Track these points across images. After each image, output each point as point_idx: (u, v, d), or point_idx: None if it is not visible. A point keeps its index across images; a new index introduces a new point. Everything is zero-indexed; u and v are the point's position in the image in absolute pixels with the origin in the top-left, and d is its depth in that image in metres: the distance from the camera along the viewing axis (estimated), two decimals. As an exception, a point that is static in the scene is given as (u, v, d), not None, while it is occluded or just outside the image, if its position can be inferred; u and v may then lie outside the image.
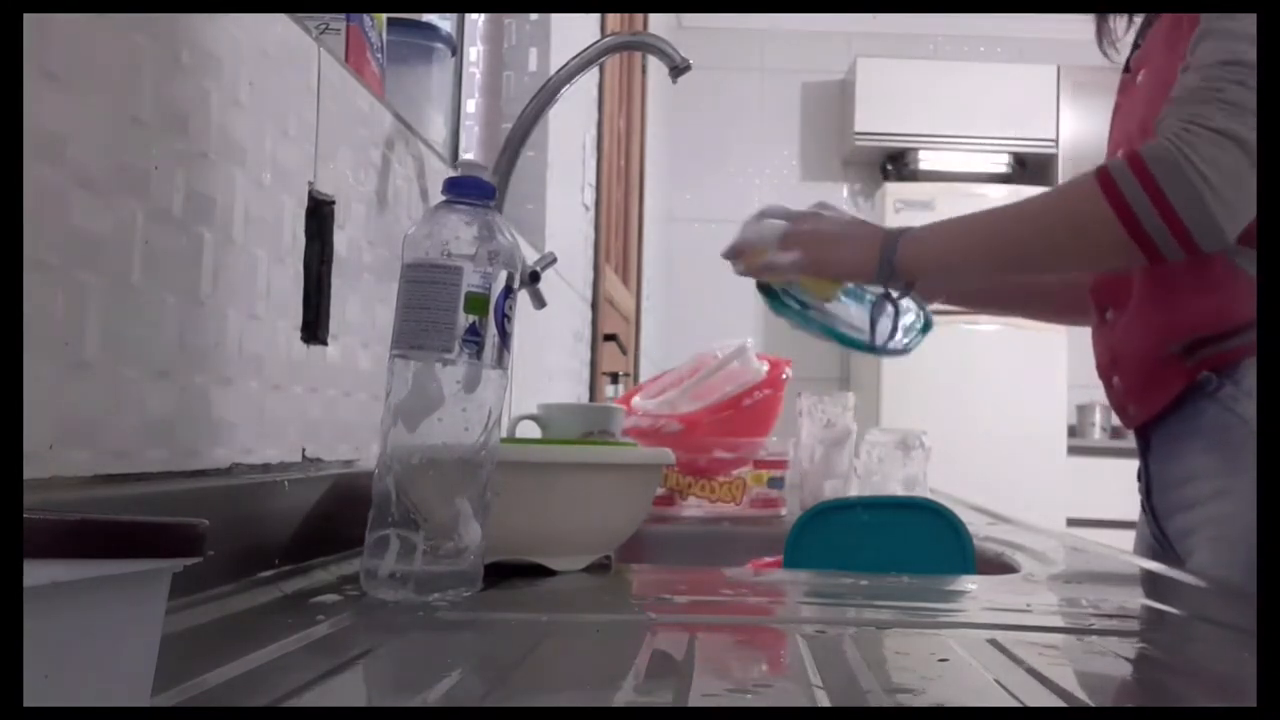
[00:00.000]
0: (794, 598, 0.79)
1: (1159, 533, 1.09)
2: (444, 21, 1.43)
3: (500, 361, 0.68)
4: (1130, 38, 1.17)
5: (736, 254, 1.15)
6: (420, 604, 0.64)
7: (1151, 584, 0.89)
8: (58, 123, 0.53)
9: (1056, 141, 4.43)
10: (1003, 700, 0.47)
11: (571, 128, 2.21)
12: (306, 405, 0.82)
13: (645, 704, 0.45)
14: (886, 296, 1.10)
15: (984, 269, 1.15)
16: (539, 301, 1.28)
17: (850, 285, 1.15)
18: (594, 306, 2.47)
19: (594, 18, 2.41)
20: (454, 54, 1.45)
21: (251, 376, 0.73)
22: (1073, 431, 4.34)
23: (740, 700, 0.46)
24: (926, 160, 4.48)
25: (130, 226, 0.59)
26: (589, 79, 2.39)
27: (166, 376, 0.63)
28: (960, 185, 4.24)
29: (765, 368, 1.51)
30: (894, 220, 3.62)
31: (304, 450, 0.81)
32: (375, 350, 0.93)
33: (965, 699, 0.48)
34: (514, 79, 1.89)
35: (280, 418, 0.77)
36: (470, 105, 1.76)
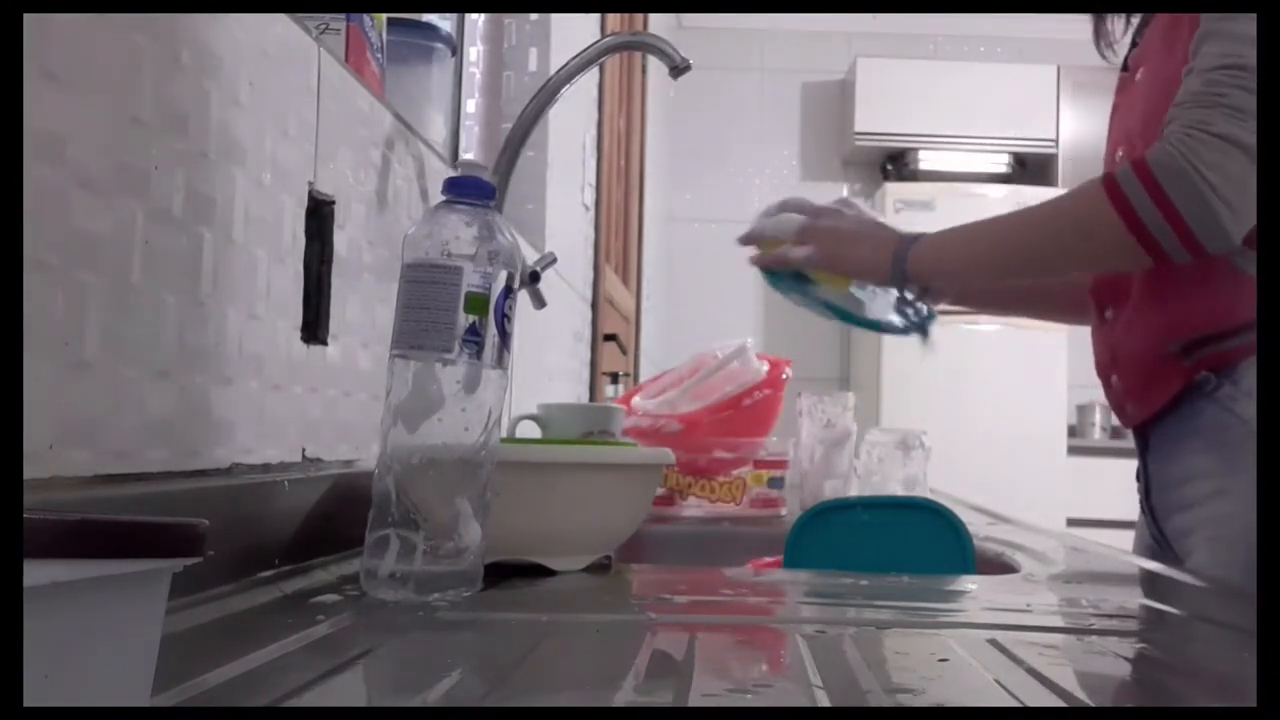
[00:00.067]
0: (794, 598, 0.79)
1: (1158, 533, 1.09)
2: (444, 21, 1.43)
3: (500, 361, 0.68)
4: (1128, 39, 1.17)
5: (751, 242, 1.15)
6: (420, 604, 0.64)
7: (1151, 584, 0.89)
8: (58, 123, 0.53)
9: (1056, 141, 4.43)
10: (1003, 700, 0.47)
11: (571, 128, 2.21)
12: (306, 405, 0.82)
13: (645, 704, 0.45)
14: (901, 299, 1.12)
15: (993, 275, 1.19)
16: (539, 301, 1.28)
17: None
18: (594, 306, 2.47)
19: (594, 18, 2.41)
20: (454, 54, 1.45)
21: (251, 376, 0.73)
22: (1073, 431, 4.34)
23: (740, 700, 0.46)
24: (926, 160, 4.48)
25: (130, 226, 0.59)
26: (589, 79, 2.39)
27: (166, 376, 0.63)
28: (960, 185, 4.24)
29: (765, 368, 1.51)
30: (894, 220, 3.62)
31: (304, 450, 0.81)
32: (375, 350, 0.93)
33: (965, 699, 0.48)
34: (514, 79, 1.89)
35: (280, 418, 0.77)
36: (470, 105, 1.76)
